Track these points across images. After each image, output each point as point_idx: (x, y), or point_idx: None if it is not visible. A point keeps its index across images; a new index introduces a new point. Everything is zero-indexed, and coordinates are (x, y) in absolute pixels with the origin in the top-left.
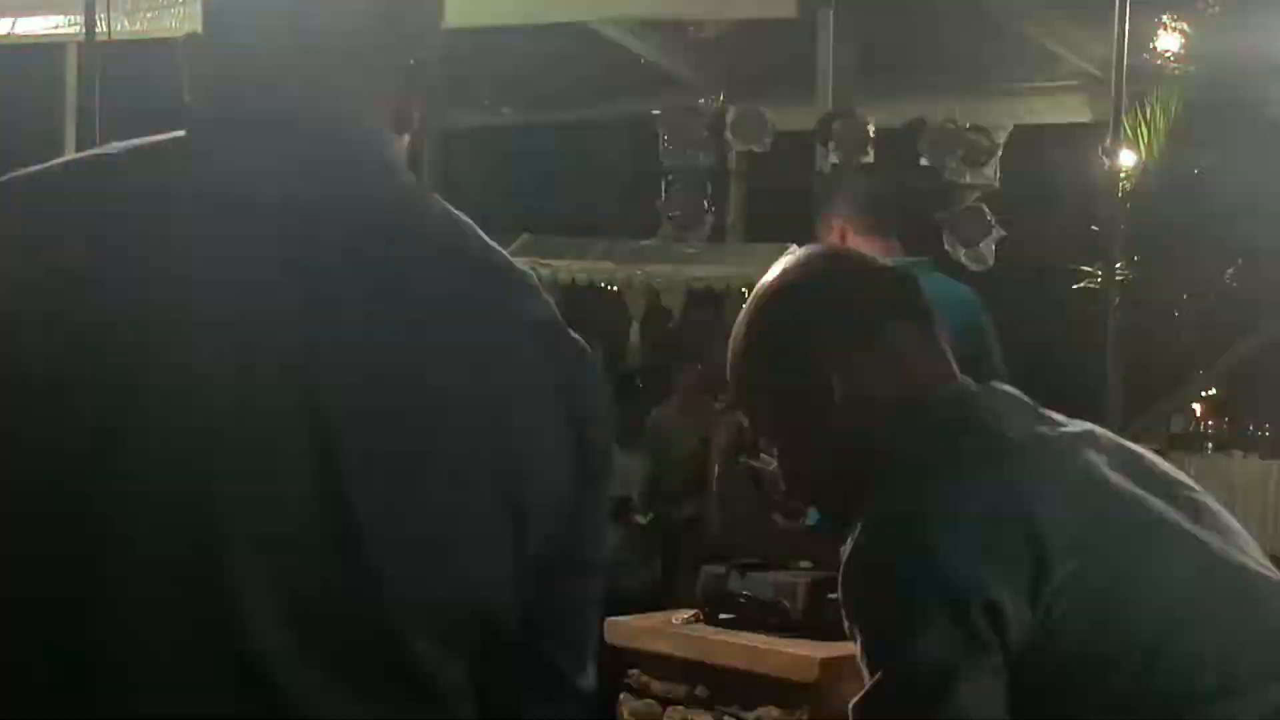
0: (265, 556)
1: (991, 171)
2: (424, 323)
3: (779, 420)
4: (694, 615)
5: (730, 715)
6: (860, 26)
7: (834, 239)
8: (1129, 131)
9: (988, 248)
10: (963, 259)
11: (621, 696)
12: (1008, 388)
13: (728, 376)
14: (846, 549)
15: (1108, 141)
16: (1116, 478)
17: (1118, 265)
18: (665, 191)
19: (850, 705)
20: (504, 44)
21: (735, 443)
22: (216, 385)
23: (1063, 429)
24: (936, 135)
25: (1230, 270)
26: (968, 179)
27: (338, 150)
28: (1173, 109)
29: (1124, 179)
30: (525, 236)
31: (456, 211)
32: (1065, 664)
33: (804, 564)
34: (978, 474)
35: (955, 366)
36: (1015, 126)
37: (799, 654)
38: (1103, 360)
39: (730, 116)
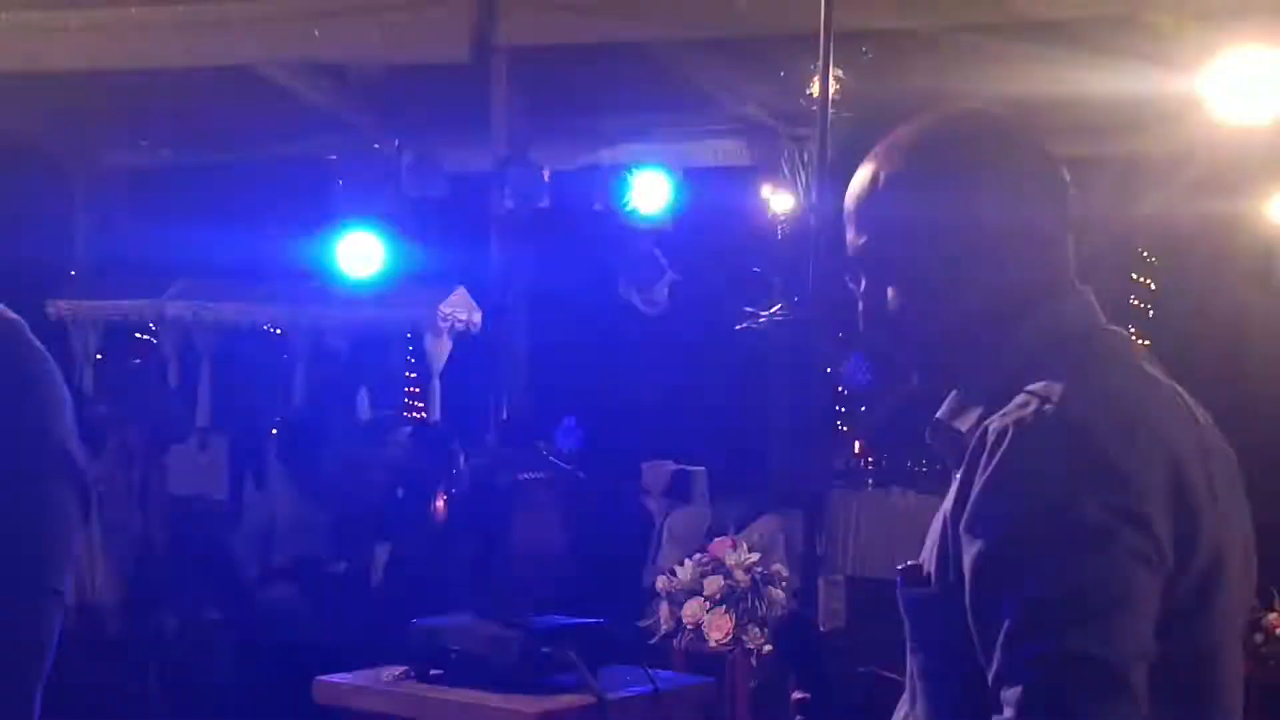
0: None
1: (662, 216)
2: None
3: (929, 253)
4: (402, 672)
5: None
6: (532, 71)
7: None
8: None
9: (660, 290)
10: (636, 302)
11: None
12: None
13: (854, 206)
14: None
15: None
16: None
17: (778, 306)
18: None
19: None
20: (162, 84)
21: None
22: None
23: None
24: (610, 180)
25: None
26: (640, 224)
27: None
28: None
29: (783, 221)
30: (182, 281)
31: None
32: None
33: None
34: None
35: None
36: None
37: (513, 708)
38: (766, 396)
39: (405, 161)
